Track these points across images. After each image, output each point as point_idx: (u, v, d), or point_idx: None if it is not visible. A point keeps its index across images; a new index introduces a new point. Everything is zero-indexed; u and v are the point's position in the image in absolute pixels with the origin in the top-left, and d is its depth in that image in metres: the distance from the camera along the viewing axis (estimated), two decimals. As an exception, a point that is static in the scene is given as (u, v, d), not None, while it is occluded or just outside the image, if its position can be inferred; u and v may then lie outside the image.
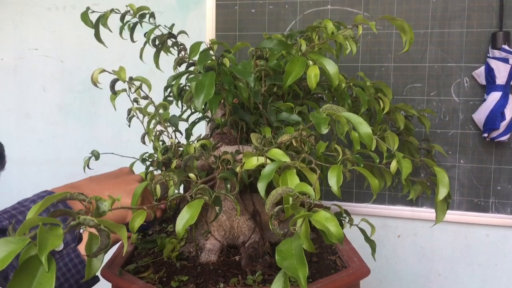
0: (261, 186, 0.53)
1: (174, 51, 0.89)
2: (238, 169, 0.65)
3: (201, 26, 1.45)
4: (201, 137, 0.84)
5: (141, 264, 0.71)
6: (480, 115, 1.20)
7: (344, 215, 0.79)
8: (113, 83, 0.84)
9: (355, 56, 1.29)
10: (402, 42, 0.82)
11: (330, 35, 0.78)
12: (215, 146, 0.74)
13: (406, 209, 1.28)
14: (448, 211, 1.28)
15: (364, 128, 0.54)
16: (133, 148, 1.47)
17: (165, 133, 0.79)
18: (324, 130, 0.54)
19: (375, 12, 1.28)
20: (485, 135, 1.20)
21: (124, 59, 1.52)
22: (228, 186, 0.68)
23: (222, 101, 0.77)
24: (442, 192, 0.61)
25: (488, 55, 1.19)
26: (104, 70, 0.83)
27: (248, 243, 0.75)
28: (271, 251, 0.75)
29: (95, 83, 0.84)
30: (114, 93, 0.85)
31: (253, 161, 0.61)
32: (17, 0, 1.60)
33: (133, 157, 0.88)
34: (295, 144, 0.63)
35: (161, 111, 0.79)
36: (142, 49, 0.89)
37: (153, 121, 0.79)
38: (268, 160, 0.60)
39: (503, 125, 1.16)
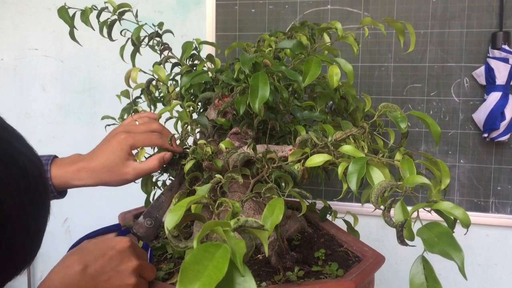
0: (353, 182, 0.53)
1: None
2: (297, 167, 0.63)
3: (201, 26, 1.44)
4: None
5: (166, 271, 0.70)
6: (480, 115, 1.20)
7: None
8: (148, 83, 0.82)
9: (355, 56, 1.29)
10: (401, 42, 0.82)
11: (340, 36, 0.78)
12: (237, 147, 0.73)
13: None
14: (448, 211, 1.29)
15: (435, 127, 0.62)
16: (133, 148, 1.47)
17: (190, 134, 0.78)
18: (405, 129, 0.56)
19: (375, 12, 1.28)
20: (485, 135, 1.20)
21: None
22: (283, 184, 0.66)
23: (218, 100, 0.77)
24: (445, 181, 0.61)
25: (488, 55, 1.19)
26: (141, 70, 0.82)
27: (269, 241, 0.74)
28: (289, 247, 0.75)
29: (128, 83, 0.82)
30: (150, 93, 0.83)
31: (316, 159, 0.59)
32: (17, 0, 1.60)
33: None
34: (351, 141, 0.62)
35: (175, 113, 0.78)
36: (122, 47, 0.87)
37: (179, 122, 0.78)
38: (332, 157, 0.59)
39: (503, 125, 1.16)
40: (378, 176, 0.53)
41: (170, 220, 0.43)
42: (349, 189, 0.55)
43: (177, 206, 0.44)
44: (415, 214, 0.47)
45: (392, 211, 0.50)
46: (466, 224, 0.45)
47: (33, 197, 0.42)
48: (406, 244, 0.47)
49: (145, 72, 0.84)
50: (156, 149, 0.79)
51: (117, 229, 0.74)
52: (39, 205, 0.43)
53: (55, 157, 0.78)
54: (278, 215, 0.50)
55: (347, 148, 0.57)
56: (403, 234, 0.47)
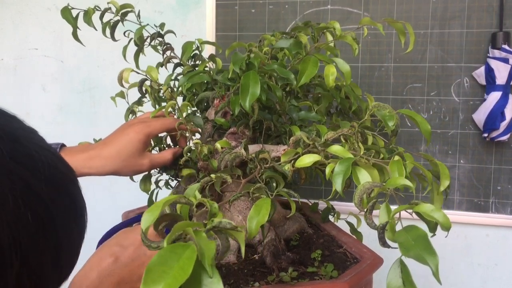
0: (339, 182, 0.53)
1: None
2: (287, 167, 0.63)
3: (201, 26, 1.44)
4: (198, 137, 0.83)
5: None
6: (480, 115, 1.20)
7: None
8: (141, 83, 0.83)
9: (355, 56, 1.29)
10: (402, 42, 0.82)
11: (338, 36, 0.78)
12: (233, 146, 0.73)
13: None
14: (448, 211, 1.28)
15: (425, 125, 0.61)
16: (133, 148, 1.47)
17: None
18: (392, 126, 0.56)
19: (375, 12, 1.27)
20: (485, 135, 1.20)
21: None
22: (274, 185, 0.66)
23: (218, 100, 0.77)
24: (444, 183, 0.61)
25: (488, 55, 1.19)
26: (133, 70, 0.82)
27: (265, 241, 0.74)
28: (286, 248, 0.75)
29: (122, 83, 0.83)
30: (143, 93, 0.84)
31: (305, 160, 0.59)
32: (17, 0, 1.60)
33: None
34: (343, 141, 0.62)
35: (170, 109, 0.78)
36: (125, 48, 0.88)
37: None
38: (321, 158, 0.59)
39: (503, 125, 1.16)
40: (365, 177, 0.53)
41: (145, 220, 0.43)
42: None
43: (153, 206, 0.43)
44: (398, 216, 0.47)
45: (377, 213, 0.50)
46: (447, 227, 0.45)
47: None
48: (388, 246, 0.47)
49: (138, 73, 0.84)
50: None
51: (138, 220, 0.75)
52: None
53: (63, 145, 0.75)
54: (265, 215, 0.50)
55: (335, 149, 0.57)
56: (384, 236, 0.47)
